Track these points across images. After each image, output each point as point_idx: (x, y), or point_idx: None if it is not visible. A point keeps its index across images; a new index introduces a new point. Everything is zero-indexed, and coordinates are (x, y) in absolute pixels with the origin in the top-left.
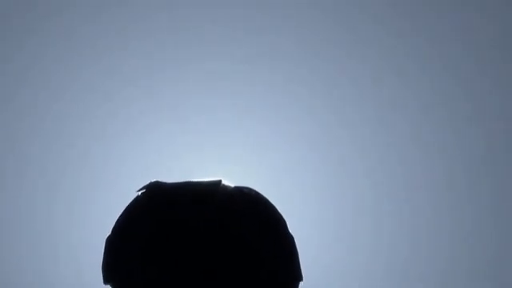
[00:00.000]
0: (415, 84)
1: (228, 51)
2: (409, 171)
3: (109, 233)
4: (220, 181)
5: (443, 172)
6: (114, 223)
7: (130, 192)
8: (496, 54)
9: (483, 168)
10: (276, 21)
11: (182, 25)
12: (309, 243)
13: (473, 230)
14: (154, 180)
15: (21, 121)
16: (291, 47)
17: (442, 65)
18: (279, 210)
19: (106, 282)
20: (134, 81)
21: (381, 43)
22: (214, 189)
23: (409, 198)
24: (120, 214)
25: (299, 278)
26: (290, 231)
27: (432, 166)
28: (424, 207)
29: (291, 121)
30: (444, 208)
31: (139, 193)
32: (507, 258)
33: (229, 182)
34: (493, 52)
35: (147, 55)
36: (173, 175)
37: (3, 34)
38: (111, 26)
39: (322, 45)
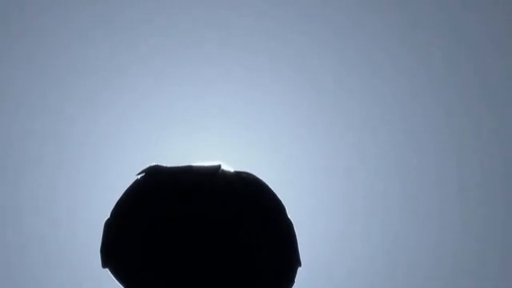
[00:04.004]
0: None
1: (229, 42)
2: (412, 163)
3: (108, 216)
4: (219, 165)
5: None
6: (113, 207)
7: (130, 176)
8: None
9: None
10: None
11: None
12: (307, 229)
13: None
14: (153, 164)
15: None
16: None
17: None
18: (278, 196)
19: (104, 265)
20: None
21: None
22: (213, 173)
23: (413, 191)
24: (119, 197)
25: (297, 263)
26: (289, 217)
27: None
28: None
29: (290, 108)
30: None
31: (139, 176)
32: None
33: (228, 166)
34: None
35: (148, 43)
36: (172, 160)
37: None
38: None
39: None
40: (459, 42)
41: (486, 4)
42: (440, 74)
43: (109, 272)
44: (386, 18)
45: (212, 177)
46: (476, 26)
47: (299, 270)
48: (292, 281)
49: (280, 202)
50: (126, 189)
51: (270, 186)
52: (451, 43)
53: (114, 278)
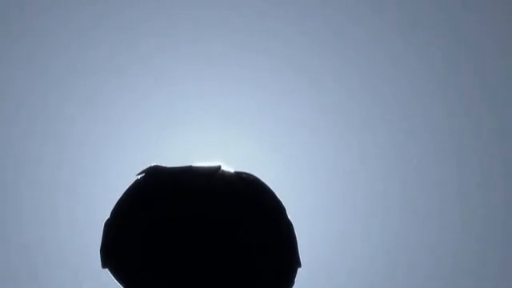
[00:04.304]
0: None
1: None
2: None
3: (108, 216)
4: (219, 166)
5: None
6: (113, 207)
7: (130, 176)
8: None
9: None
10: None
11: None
12: (307, 229)
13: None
14: (153, 164)
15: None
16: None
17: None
18: (278, 196)
19: (104, 265)
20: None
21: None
22: (213, 174)
23: (412, 191)
24: (119, 197)
25: (297, 264)
26: (289, 217)
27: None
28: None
29: (290, 109)
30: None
31: (139, 176)
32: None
33: (228, 167)
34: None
35: (148, 40)
36: (172, 160)
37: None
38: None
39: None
40: (459, 41)
41: (486, 4)
42: (440, 74)
43: (109, 272)
44: (386, 17)
45: (212, 177)
46: (476, 26)
47: (299, 270)
48: (292, 281)
49: (280, 202)
50: (126, 189)
51: (270, 186)
52: (451, 43)
53: (114, 278)
